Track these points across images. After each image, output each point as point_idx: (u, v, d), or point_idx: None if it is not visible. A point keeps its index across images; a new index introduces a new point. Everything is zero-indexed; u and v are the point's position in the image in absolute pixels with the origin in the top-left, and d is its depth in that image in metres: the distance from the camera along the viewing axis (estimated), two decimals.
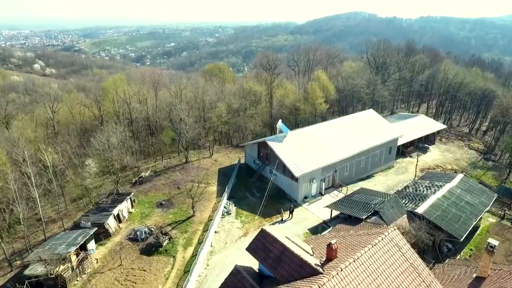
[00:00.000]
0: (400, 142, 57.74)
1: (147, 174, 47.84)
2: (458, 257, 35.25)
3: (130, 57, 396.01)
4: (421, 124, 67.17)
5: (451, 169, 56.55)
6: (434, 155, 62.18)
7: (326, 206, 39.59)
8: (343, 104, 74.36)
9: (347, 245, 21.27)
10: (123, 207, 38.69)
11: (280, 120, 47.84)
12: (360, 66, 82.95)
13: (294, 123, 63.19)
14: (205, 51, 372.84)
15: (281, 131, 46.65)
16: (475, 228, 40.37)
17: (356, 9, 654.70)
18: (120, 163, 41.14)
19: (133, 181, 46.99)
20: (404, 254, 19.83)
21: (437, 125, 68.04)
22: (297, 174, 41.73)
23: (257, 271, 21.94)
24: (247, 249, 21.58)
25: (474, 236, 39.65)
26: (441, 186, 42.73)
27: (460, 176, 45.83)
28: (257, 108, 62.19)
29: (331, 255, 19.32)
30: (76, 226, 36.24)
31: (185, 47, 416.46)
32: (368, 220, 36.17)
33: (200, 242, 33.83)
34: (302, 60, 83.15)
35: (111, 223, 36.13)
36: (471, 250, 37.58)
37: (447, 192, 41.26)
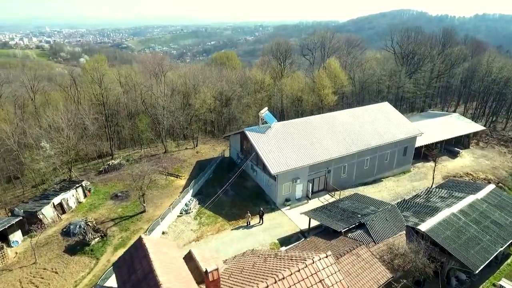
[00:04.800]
0: (421, 143, 47.90)
1: (115, 162, 43.25)
2: None
3: (172, 54, 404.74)
4: (453, 124, 56.27)
5: (484, 179, 45.62)
6: (466, 161, 51.22)
7: (303, 213, 31.97)
8: (360, 98, 64.85)
9: (255, 275, 14.12)
10: (69, 196, 34.08)
11: (266, 108, 40.83)
12: (386, 57, 72.42)
13: (296, 115, 55.30)
14: (243, 49, 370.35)
15: (265, 121, 39.61)
16: (506, 255, 30.79)
17: (403, 7, 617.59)
18: (67, 146, 36.65)
19: (100, 169, 42.68)
20: None
21: (472, 126, 56.55)
22: (273, 171, 34.47)
23: None
24: (113, 264, 15.33)
25: (502, 267, 30.14)
26: (461, 198, 33.20)
27: (490, 187, 35.69)
28: (255, 98, 55.22)
29: None
30: (12, 213, 32.17)
31: (224, 45, 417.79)
32: (350, 234, 28.18)
33: None
34: (318, 49, 74.35)
35: (47, 212, 31.56)
36: (493, 286, 28.12)
37: (468, 206, 31.77)
